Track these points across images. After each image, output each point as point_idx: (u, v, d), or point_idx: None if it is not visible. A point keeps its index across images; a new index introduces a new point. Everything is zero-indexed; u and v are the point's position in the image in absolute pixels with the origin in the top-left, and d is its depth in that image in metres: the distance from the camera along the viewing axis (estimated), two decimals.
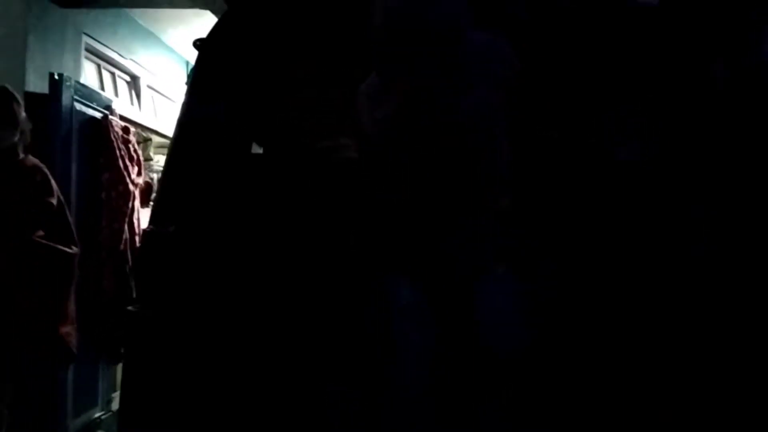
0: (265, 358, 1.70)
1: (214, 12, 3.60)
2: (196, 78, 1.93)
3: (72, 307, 2.65)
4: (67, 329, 2.61)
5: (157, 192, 1.89)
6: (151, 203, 4.63)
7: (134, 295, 3.83)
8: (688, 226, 1.58)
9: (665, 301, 1.50)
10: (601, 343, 1.48)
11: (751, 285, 1.45)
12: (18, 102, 2.38)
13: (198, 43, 1.94)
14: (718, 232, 1.53)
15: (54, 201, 2.44)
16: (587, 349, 1.47)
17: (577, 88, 1.77)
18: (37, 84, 3.24)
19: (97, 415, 3.64)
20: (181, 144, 1.87)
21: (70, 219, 2.58)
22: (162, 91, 4.70)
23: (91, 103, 3.45)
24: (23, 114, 2.40)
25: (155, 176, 4.88)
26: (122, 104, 3.90)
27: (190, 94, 1.92)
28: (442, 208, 1.41)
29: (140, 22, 4.19)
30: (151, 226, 1.81)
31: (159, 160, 5.10)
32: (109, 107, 3.61)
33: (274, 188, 1.84)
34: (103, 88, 3.97)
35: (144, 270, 1.80)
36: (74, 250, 2.54)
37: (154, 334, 1.74)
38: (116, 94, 4.17)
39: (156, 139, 4.76)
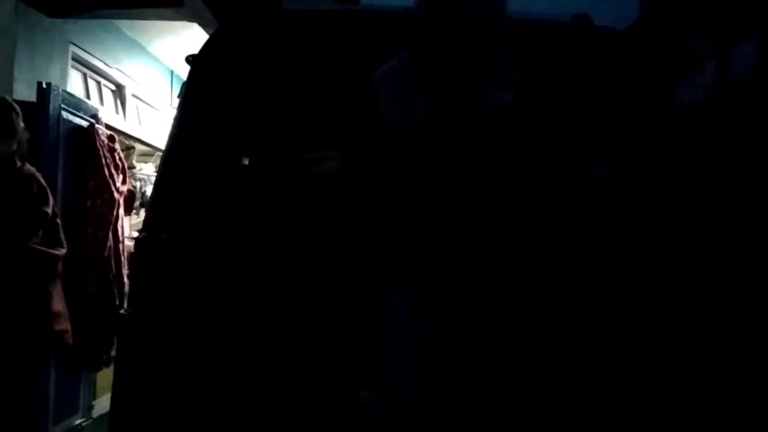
0: (262, 360, 1.72)
1: (201, 24, 3.67)
2: (188, 92, 2.01)
3: (62, 305, 2.71)
4: (63, 326, 2.67)
5: (150, 201, 1.95)
6: (134, 211, 4.68)
7: (117, 302, 3.87)
8: (688, 226, 1.58)
9: (665, 301, 1.50)
10: (600, 343, 1.47)
11: (751, 285, 1.45)
12: (17, 112, 2.44)
13: (190, 58, 2.02)
14: (718, 232, 1.54)
15: (49, 210, 2.51)
16: (587, 349, 1.46)
17: (577, 89, 1.79)
18: (24, 92, 3.28)
19: (78, 422, 3.65)
20: (172, 155, 1.94)
21: (59, 221, 2.64)
22: (147, 100, 4.75)
23: (78, 111, 3.49)
24: (21, 124, 2.46)
25: (138, 184, 4.92)
26: (107, 113, 3.95)
27: (181, 108, 1.99)
28: (442, 208, 1.41)
29: (127, 32, 4.25)
30: (143, 233, 1.87)
31: (142, 168, 5.14)
32: (95, 116, 3.65)
33: (265, 195, 1.90)
34: (88, 97, 4.01)
35: (137, 275, 1.86)
36: (60, 251, 2.60)
37: (147, 337, 1.80)
38: (101, 103, 4.21)
39: (139, 147, 4.80)
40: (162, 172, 1.95)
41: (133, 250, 4.22)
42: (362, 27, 2.11)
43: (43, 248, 2.50)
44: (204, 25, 3.65)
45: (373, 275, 1.49)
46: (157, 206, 1.91)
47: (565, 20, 2.26)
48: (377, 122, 1.44)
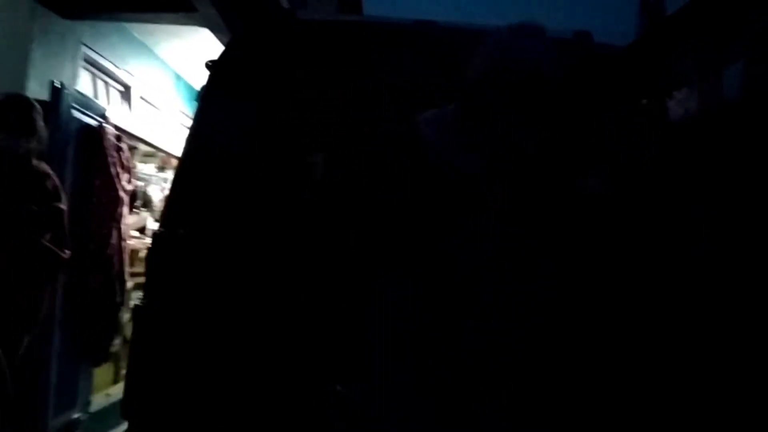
0: (267, 357, 1.77)
1: (212, 30, 3.76)
2: (206, 95, 2.10)
3: (47, 310, 2.76)
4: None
5: (167, 198, 2.03)
6: (134, 210, 4.75)
7: (119, 299, 3.94)
8: (688, 226, 1.56)
9: (665, 301, 1.49)
10: (601, 343, 1.46)
11: (752, 285, 1.42)
12: (38, 111, 2.51)
13: (209, 64, 2.11)
14: (718, 232, 1.50)
15: (63, 207, 2.56)
16: (587, 349, 1.46)
17: (577, 89, 1.78)
18: (36, 90, 3.35)
19: (75, 415, 3.70)
20: (190, 155, 2.03)
21: (66, 223, 2.70)
22: (152, 102, 4.83)
23: (88, 111, 3.57)
24: (41, 122, 2.52)
25: (140, 184, 5.00)
26: (115, 113, 4.02)
27: (200, 110, 2.09)
28: (442, 208, 1.42)
29: (135, 34, 4.33)
30: (161, 229, 1.96)
31: (143, 168, 5.22)
32: (104, 116, 3.73)
33: (278, 196, 1.99)
34: (97, 97, 4.09)
35: (153, 268, 1.94)
36: (66, 254, 2.66)
37: (160, 328, 1.88)
38: (109, 103, 4.29)
39: (142, 147, 4.88)
40: (180, 171, 2.04)
41: (135, 248, 4.30)
42: (375, 37, 2.22)
43: (52, 247, 2.55)
44: (215, 31, 3.74)
45: (374, 275, 1.47)
46: (175, 203, 2.00)
47: (566, 36, 2.37)
48: (420, 162, 1.44)
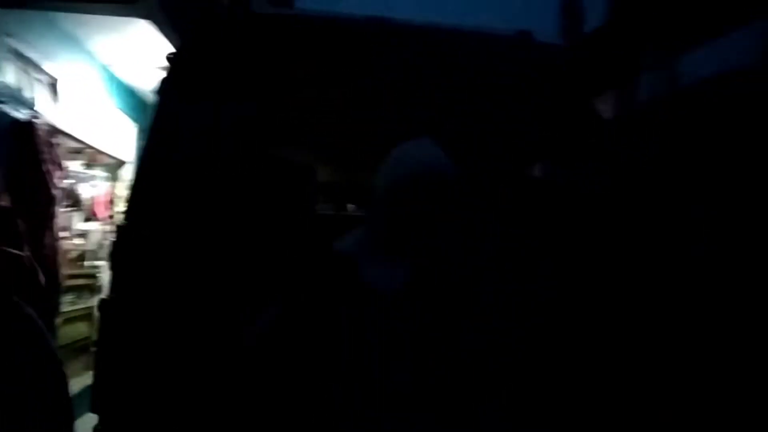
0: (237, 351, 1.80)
1: (155, 23, 3.65)
2: (168, 87, 2.09)
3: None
4: None
5: (131, 191, 2.01)
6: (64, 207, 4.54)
7: (54, 302, 3.77)
8: (688, 226, 1.62)
9: (665, 301, 1.53)
10: (601, 343, 1.49)
11: (751, 285, 1.46)
12: None
13: (170, 56, 2.10)
14: (718, 232, 1.58)
15: (7, 204, 2.43)
16: (586, 349, 1.48)
17: (577, 91, 1.84)
18: None
19: None
20: (153, 148, 2.02)
21: (19, 223, 2.57)
22: (81, 97, 4.64)
23: (17, 105, 3.40)
24: None
25: (70, 181, 4.78)
26: (42, 107, 3.85)
27: (162, 102, 2.08)
28: (442, 208, 1.42)
29: (65, 26, 4.14)
30: (125, 222, 1.94)
31: (69, 165, 4.98)
32: (34, 110, 3.56)
33: (241, 190, 2.02)
34: (22, 91, 3.89)
35: (119, 262, 1.92)
36: (24, 253, 2.53)
37: (127, 322, 1.87)
38: (35, 97, 4.08)
39: (68, 143, 4.66)
40: (144, 163, 2.03)
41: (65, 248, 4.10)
42: (332, 33, 2.28)
43: (6, 248, 2.42)
44: (156, 23, 3.64)
45: (373, 274, 1.44)
46: (138, 196, 1.98)
47: (509, 35, 2.51)
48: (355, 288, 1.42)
